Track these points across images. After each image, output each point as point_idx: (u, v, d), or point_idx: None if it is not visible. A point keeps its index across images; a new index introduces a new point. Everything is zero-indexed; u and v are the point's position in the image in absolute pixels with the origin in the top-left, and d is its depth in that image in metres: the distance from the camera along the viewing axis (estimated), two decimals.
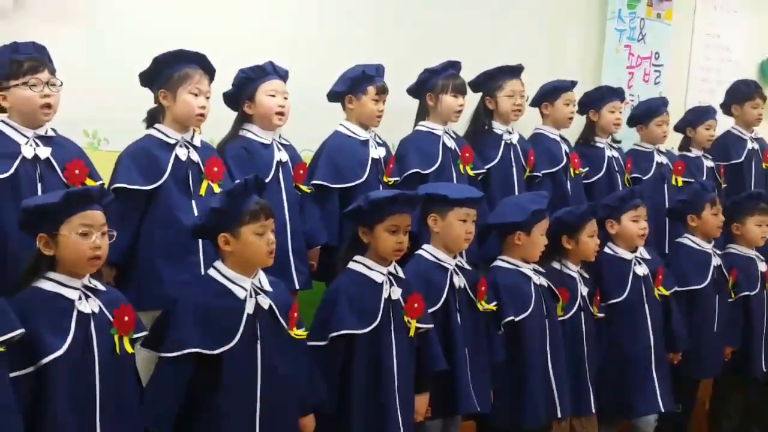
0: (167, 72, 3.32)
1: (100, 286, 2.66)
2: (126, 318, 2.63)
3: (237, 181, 3.02)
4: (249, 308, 2.84)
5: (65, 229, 2.55)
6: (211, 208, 2.83)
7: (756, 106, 5.38)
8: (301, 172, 3.70)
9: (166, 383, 2.77)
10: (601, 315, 3.99)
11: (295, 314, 2.99)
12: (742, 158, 5.33)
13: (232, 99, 3.68)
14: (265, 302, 2.89)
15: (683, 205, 4.52)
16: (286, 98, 3.65)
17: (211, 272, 2.90)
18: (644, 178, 4.86)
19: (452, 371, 3.38)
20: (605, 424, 4.05)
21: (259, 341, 2.84)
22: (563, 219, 3.87)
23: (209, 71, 3.40)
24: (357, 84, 3.89)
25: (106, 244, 2.62)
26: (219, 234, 2.84)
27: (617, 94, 4.88)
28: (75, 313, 2.53)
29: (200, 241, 3.22)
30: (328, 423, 3.13)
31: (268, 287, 2.92)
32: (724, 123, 5.44)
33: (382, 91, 3.92)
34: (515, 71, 4.38)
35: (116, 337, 2.61)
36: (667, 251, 4.70)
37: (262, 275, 2.94)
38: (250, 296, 2.85)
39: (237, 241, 2.83)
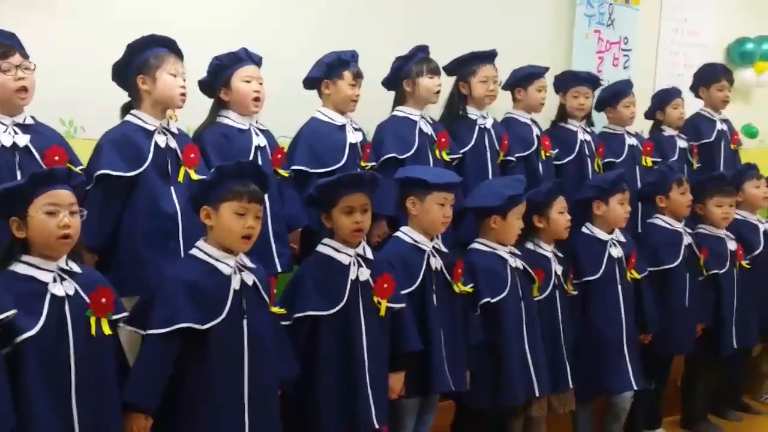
0: (142, 57, 3.33)
1: (77, 269, 2.66)
2: (103, 300, 2.64)
3: (233, 162, 3.03)
4: (235, 284, 2.88)
5: (32, 210, 2.56)
6: (201, 179, 2.88)
7: (722, 89, 5.46)
8: (279, 156, 3.73)
9: (154, 359, 2.78)
10: (575, 293, 4.05)
11: (274, 290, 3.05)
12: (713, 138, 5.42)
13: (208, 86, 3.70)
14: (249, 278, 2.93)
15: (651, 187, 4.60)
16: (261, 83, 3.67)
17: (194, 251, 2.93)
18: (617, 161, 4.92)
19: (427, 352, 3.42)
20: (582, 400, 4.12)
21: (246, 316, 2.88)
22: (532, 198, 3.92)
23: (180, 56, 3.41)
24: (333, 69, 3.92)
25: (77, 223, 2.62)
26: (203, 206, 2.89)
27: (582, 79, 4.91)
28: (48, 296, 2.54)
29: (180, 227, 3.25)
30: (298, 403, 3.17)
31: (250, 264, 2.97)
32: (694, 105, 5.52)
33: (358, 75, 3.95)
34: (488, 57, 4.42)
35: (92, 319, 2.62)
36: (639, 230, 4.77)
37: (243, 254, 2.97)
38: (235, 273, 2.89)
39: (216, 216, 2.87)
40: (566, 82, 4.90)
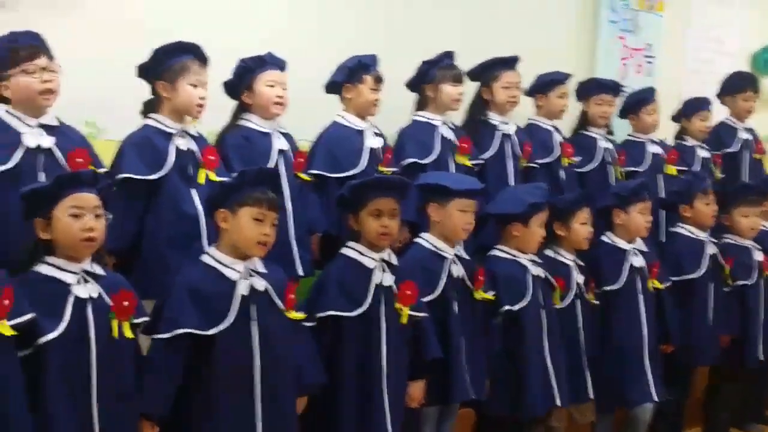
0: (167, 63, 3.33)
1: (101, 271, 2.67)
2: (126, 303, 2.64)
3: (255, 167, 3.04)
4: (243, 290, 2.85)
5: (58, 212, 2.57)
6: (221, 182, 2.87)
7: (747, 99, 5.42)
8: (301, 160, 3.72)
9: (161, 366, 2.77)
10: (596, 302, 4.02)
11: (292, 296, 3.01)
12: (736, 147, 5.37)
13: (232, 88, 3.70)
14: (261, 284, 2.90)
15: (676, 196, 4.57)
16: (284, 89, 3.66)
17: (204, 258, 2.92)
18: (639, 170, 4.88)
19: (448, 360, 3.40)
20: (602, 411, 4.08)
21: (255, 322, 2.85)
22: (555, 206, 3.89)
23: (204, 61, 3.41)
24: (354, 73, 3.91)
25: (101, 227, 2.63)
26: (220, 209, 2.88)
27: (605, 87, 4.88)
28: (71, 298, 2.55)
29: (203, 226, 3.25)
30: (319, 405, 3.15)
31: (263, 269, 2.94)
32: (720, 113, 5.47)
33: (379, 80, 3.94)
34: (511, 62, 4.40)
35: (114, 322, 2.62)
36: (662, 239, 4.73)
37: (257, 259, 2.95)
38: (244, 278, 2.87)
39: (234, 220, 2.86)
40: (589, 89, 4.87)
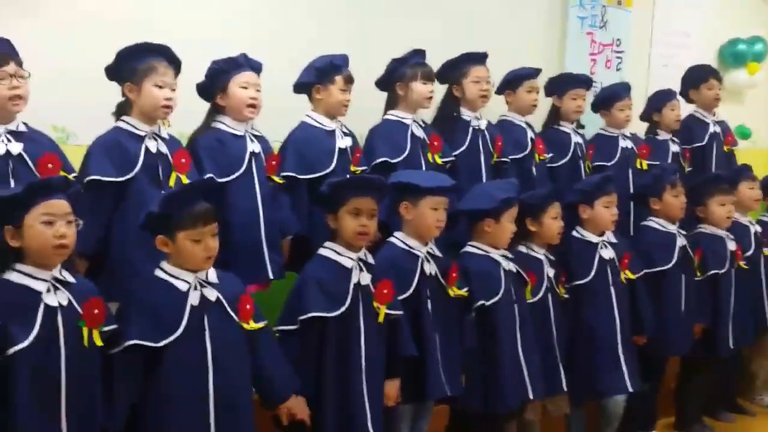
0: (131, 65, 3.31)
1: (71, 278, 2.65)
2: (96, 311, 2.62)
3: (181, 185, 2.99)
4: (193, 300, 2.80)
5: (29, 220, 2.54)
6: (148, 212, 2.79)
7: (711, 88, 5.44)
8: (274, 163, 3.72)
9: (113, 378, 2.73)
10: (566, 296, 4.06)
11: (248, 306, 2.94)
12: (705, 141, 5.42)
13: (205, 91, 3.70)
14: (212, 294, 2.86)
15: (645, 189, 4.61)
16: (258, 90, 3.66)
17: (156, 272, 2.87)
18: (609, 164, 4.92)
19: (422, 357, 3.41)
20: (576, 403, 4.12)
21: (207, 333, 2.82)
22: (526, 201, 3.92)
23: (174, 63, 3.39)
24: (325, 74, 3.91)
25: (73, 233, 2.61)
26: (158, 235, 2.83)
27: (580, 81, 4.94)
28: (42, 306, 2.53)
29: None
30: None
31: (214, 279, 2.89)
32: (686, 109, 5.52)
33: (349, 80, 3.95)
34: (479, 58, 4.41)
35: (84, 330, 2.60)
36: (631, 234, 4.78)
37: (210, 269, 2.90)
38: (194, 289, 2.83)
39: (174, 246, 2.81)
40: (564, 84, 4.90)
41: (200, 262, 2.83)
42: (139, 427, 2.78)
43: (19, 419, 2.45)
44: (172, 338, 2.75)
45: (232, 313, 2.90)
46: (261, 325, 2.99)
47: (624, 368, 4.09)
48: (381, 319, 3.25)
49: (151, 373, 2.77)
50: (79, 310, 2.61)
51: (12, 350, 2.45)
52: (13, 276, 2.56)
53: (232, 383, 2.85)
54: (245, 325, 2.92)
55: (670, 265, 4.45)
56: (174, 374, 2.76)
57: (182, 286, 2.82)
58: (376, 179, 3.34)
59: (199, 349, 2.80)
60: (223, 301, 2.88)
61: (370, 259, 3.32)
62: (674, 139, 5.31)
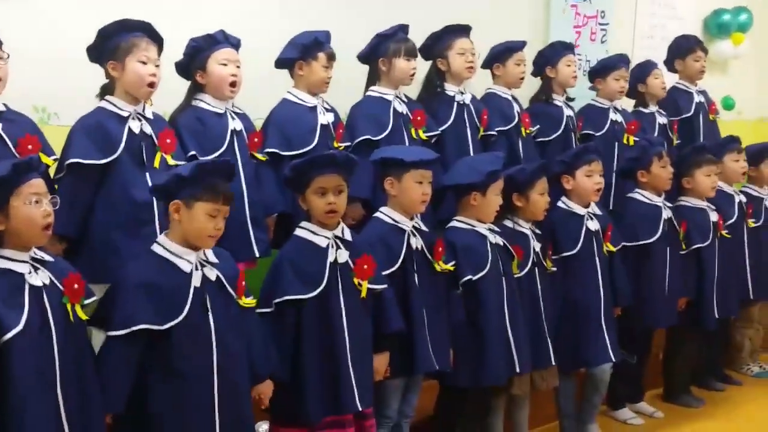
0: (113, 42, 3.28)
1: (47, 257, 2.64)
2: (75, 286, 2.62)
3: (211, 158, 2.98)
4: (196, 281, 2.82)
5: (16, 200, 2.52)
6: (176, 174, 2.81)
7: (698, 59, 5.45)
8: (256, 140, 3.70)
9: (115, 362, 2.73)
10: (554, 269, 4.06)
11: (243, 283, 2.98)
12: (691, 112, 5.42)
13: (184, 69, 3.66)
14: (212, 273, 2.87)
15: (632, 163, 4.60)
16: (238, 67, 3.63)
17: (155, 248, 2.86)
18: (596, 134, 4.92)
19: (410, 332, 3.41)
20: (564, 374, 4.13)
21: (210, 313, 2.83)
22: (514, 177, 3.90)
23: (156, 39, 3.36)
24: (308, 50, 3.88)
25: (53, 212, 2.60)
26: (174, 200, 2.83)
27: (570, 48, 4.94)
28: (27, 287, 2.52)
29: (155, 211, 3.22)
30: (284, 389, 3.14)
31: (213, 259, 2.91)
32: (669, 80, 5.51)
33: (332, 57, 3.92)
34: (463, 30, 4.39)
35: (69, 306, 2.60)
36: (611, 207, 4.78)
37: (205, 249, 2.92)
38: (196, 269, 2.84)
39: (187, 213, 2.81)
40: (555, 53, 4.88)
41: (205, 239, 2.84)
42: (143, 408, 2.78)
43: (23, 403, 2.44)
44: (177, 321, 2.76)
45: (231, 291, 2.92)
46: (253, 301, 3.02)
47: (607, 339, 4.11)
48: (364, 294, 3.24)
49: (154, 353, 2.77)
50: (60, 287, 2.61)
51: (8, 335, 2.43)
52: None
53: (233, 360, 2.87)
54: (240, 302, 2.96)
55: (654, 239, 4.46)
56: (179, 353, 2.77)
57: (185, 267, 2.82)
58: (337, 155, 3.31)
59: (203, 327, 2.81)
60: (223, 279, 2.90)
61: (348, 236, 3.29)
62: (661, 111, 5.30)
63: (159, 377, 2.78)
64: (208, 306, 2.83)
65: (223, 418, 2.82)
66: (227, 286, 2.91)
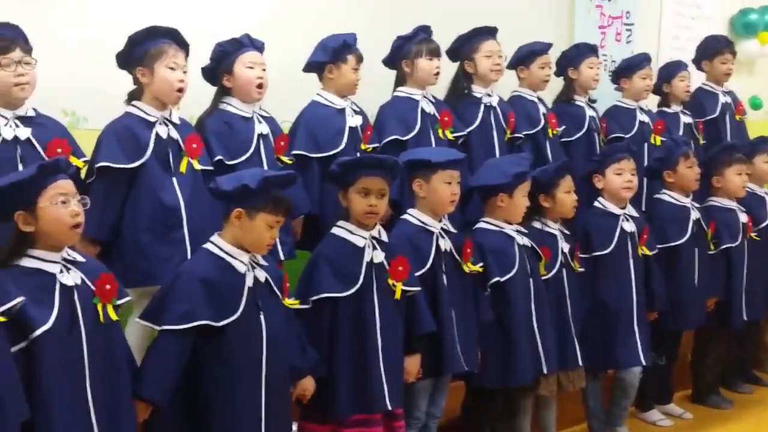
0: (142, 49, 3.31)
1: (79, 258, 2.66)
2: (107, 286, 2.64)
3: (279, 172, 3.03)
4: (249, 281, 2.88)
5: (43, 201, 2.53)
6: (244, 184, 2.84)
7: (725, 62, 5.42)
8: (282, 143, 3.72)
9: (168, 355, 2.78)
10: (581, 269, 4.04)
11: (287, 285, 3.05)
12: (717, 113, 5.38)
13: (211, 73, 3.69)
14: (262, 275, 2.93)
15: (659, 163, 4.57)
16: (264, 70, 3.65)
17: (210, 247, 2.91)
18: (626, 136, 4.89)
19: (439, 333, 3.42)
20: (591, 376, 4.12)
21: (261, 312, 2.89)
22: (538, 177, 3.89)
23: (183, 46, 3.39)
24: (338, 53, 3.91)
25: (83, 212, 2.62)
26: (237, 208, 2.87)
27: (593, 50, 4.92)
28: (57, 287, 2.54)
29: (184, 217, 3.26)
30: (318, 385, 3.16)
31: (263, 261, 2.97)
32: (697, 79, 5.48)
33: (360, 59, 3.95)
34: (490, 32, 4.40)
35: (99, 306, 2.62)
36: (643, 209, 4.75)
37: None
38: (249, 270, 2.90)
39: (249, 222, 2.86)
40: (578, 54, 4.87)
41: (263, 247, 2.91)
42: (194, 401, 2.83)
43: (50, 400, 2.46)
44: (232, 318, 2.81)
45: (278, 292, 2.98)
46: (296, 302, 3.08)
47: (638, 341, 4.09)
48: (398, 296, 3.25)
49: (207, 350, 2.82)
50: (92, 287, 2.63)
51: (37, 333, 2.45)
52: (25, 261, 2.55)
53: (280, 356, 2.93)
54: (285, 302, 3.02)
55: (683, 240, 4.43)
56: (232, 351, 2.83)
57: (240, 267, 2.88)
58: (386, 159, 3.34)
59: (255, 325, 2.87)
60: (271, 281, 2.96)
61: (384, 237, 3.32)
62: (685, 111, 5.27)
63: (210, 369, 2.82)
64: (260, 305, 2.89)
65: (268, 410, 2.88)
66: (274, 287, 2.97)
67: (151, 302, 2.87)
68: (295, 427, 3.40)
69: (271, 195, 2.87)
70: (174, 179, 3.31)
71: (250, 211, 2.85)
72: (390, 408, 3.23)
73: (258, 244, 2.90)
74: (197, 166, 3.37)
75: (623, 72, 5.06)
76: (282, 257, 3.62)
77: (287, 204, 2.92)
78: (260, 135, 3.64)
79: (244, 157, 3.57)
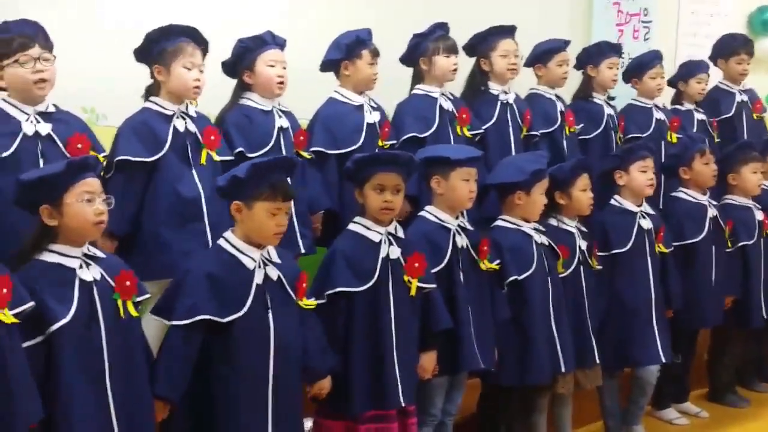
0: (159, 47, 3.33)
1: (100, 254, 2.68)
2: (127, 283, 2.66)
3: (267, 158, 3.01)
4: (258, 278, 2.86)
5: (69, 198, 2.56)
6: (233, 175, 2.84)
7: (741, 62, 5.38)
8: (302, 138, 3.74)
9: (177, 351, 2.79)
10: (599, 267, 4.03)
11: (304, 284, 3.02)
12: (732, 112, 5.35)
13: (231, 68, 3.71)
14: (274, 273, 2.91)
15: (675, 160, 4.56)
16: (284, 68, 3.68)
17: (221, 242, 2.92)
18: (643, 135, 4.87)
19: (456, 330, 3.41)
20: (609, 374, 4.11)
21: (270, 311, 2.87)
22: (554, 175, 3.88)
23: (202, 44, 3.40)
24: (352, 49, 3.92)
25: (107, 211, 2.64)
26: (234, 201, 2.87)
27: (615, 49, 4.91)
28: (77, 282, 2.56)
29: (204, 208, 3.28)
30: (333, 380, 3.17)
31: (276, 259, 2.95)
32: (715, 76, 5.45)
33: (375, 53, 3.96)
34: (507, 31, 4.39)
35: (119, 302, 2.63)
36: (661, 207, 4.73)
37: (271, 247, 2.96)
38: (259, 267, 2.88)
39: (249, 213, 2.85)
40: (599, 53, 4.85)
41: (269, 237, 2.88)
42: (201, 398, 2.84)
43: (69, 394, 2.48)
44: (238, 315, 2.80)
45: (291, 291, 2.96)
46: (313, 303, 3.05)
47: (657, 339, 4.08)
48: (413, 292, 3.25)
49: (214, 346, 2.81)
50: (112, 283, 2.64)
51: (55, 326, 2.47)
52: (46, 256, 2.58)
53: (289, 358, 2.91)
54: (300, 303, 2.99)
55: (700, 238, 4.41)
56: (238, 348, 2.82)
57: (249, 264, 2.86)
58: (401, 155, 3.34)
59: (263, 324, 2.86)
60: (284, 280, 2.93)
61: (401, 233, 3.32)
62: (698, 108, 5.25)
63: (218, 368, 2.82)
64: (269, 304, 2.87)
65: (276, 410, 2.87)
66: (287, 286, 2.95)
67: (162, 296, 2.88)
68: (310, 422, 3.41)
69: (265, 182, 2.83)
70: (194, 171, 3.34)
71: (248, 201, 2.84)
72: (403, 404, 3.23)
73: (263, 234, 2.87)
74: (216, 158, 3.39)
75: (633, 71, 5.04)
76: (303, 250, 3.64)
77: (284, 188, 2.87)
78: (280, 128, 3.67)
79: (264, 150, 3.59)
